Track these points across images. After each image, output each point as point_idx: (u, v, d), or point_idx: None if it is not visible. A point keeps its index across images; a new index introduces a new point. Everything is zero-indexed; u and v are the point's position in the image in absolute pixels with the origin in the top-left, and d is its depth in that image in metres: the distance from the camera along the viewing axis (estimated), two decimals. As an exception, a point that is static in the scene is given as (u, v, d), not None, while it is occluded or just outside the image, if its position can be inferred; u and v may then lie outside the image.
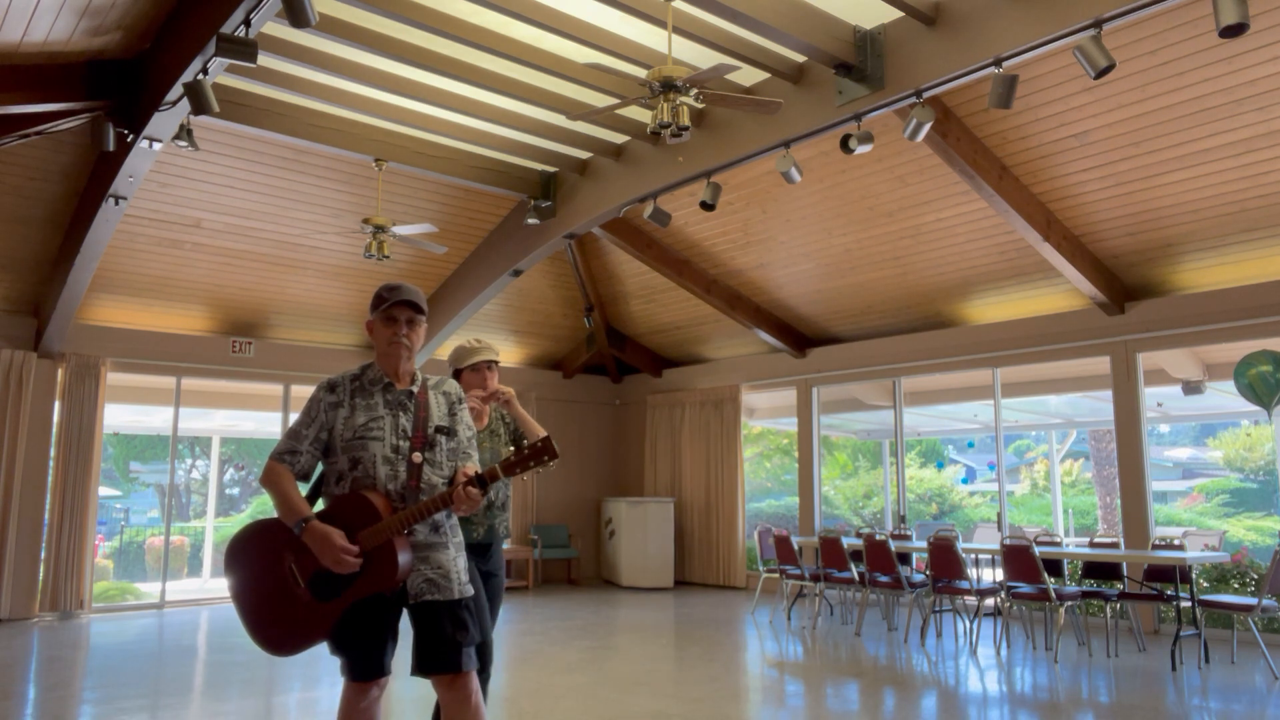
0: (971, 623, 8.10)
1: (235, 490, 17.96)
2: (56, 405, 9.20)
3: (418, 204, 9.33)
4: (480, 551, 3.51)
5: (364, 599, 2.73)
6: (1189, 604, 6.74)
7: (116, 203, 7.15)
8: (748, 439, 12.37)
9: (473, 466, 2.92)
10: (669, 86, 5.18)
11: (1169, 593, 6.97)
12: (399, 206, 9.23)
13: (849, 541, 8.31)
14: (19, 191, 7.90)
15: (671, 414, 12.64)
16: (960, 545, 7.27)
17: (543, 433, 3.38)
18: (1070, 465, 17.00)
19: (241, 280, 9.69)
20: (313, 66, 6.34)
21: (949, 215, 8.15)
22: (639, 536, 11.62)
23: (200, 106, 5.43)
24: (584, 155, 8.35)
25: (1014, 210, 7.29)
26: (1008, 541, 6.96)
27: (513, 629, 8.26)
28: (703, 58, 6.27)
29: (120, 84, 6.30)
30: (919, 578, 7.91)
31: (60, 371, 9.22)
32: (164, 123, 6.09)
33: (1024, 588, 6.93)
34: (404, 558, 2.71)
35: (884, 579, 7.84)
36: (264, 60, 6.25)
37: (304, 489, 2.88)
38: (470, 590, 2.89)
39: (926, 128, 5.70)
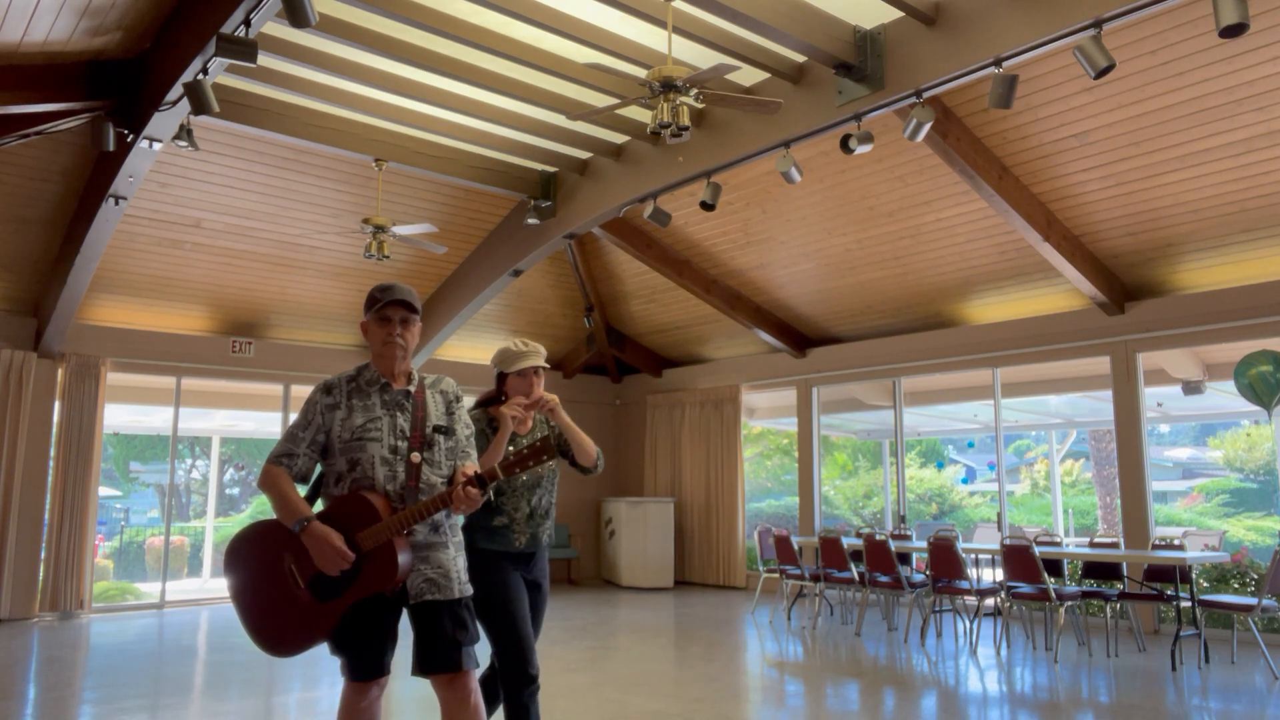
0: (971, 623, 8.10)
1: (235, 490, 17.96)
2: (56, 405, 9.20)
3: (418, 204, 9.33)
4: (522, 560, 3.35)
5: (364, 600, 2.73)
6: (1189, 604, 6.74)
7: (116, 203, 7.15)
8: (748, 439, 12.37)
9: (472, 466, 2.91)
10: (669, 86, 5.18)
11: (1169, 593, 6.97)
12: (399, 206, 9.23)
13: (849, 541, 8.30)
14: (19, 191, 7.90)
15: (671, 414, 12.64)
16: (960, 545, 7.27)
17: (593, 445, 3.39)
18: (1070, 465, 17.00)
19: (241, 280, 9.69)
20: (313, 66, 6.34)
21: (949, 215, 8.15)
22: (639, 536, 11.62)
23: (200, 106, 5.43)
24: (584, 155, 8.35)
25: (1014, 210, 7.30)
26: (1008, 541, 6.96)
27: (513, 629, 8.25)
28: (703, 58, 6.27)
29: (120, 84, 6.30)
30: (919, 578, 7.91)
31: (60, 371, 9.22)
32: (164, 123, 6.09)
33: (1024, 588, 6.93)
34: (404, 558, 2.71)
35: (884, 579, 7.84)
36: (264, 60, 6.25)
37: (302, 491, 2.88)
38: (470, 590, 2.89)
39: (926, 128, 5.70)
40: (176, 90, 5.66)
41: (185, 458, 17.49)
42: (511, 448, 2.92)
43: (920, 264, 8.94)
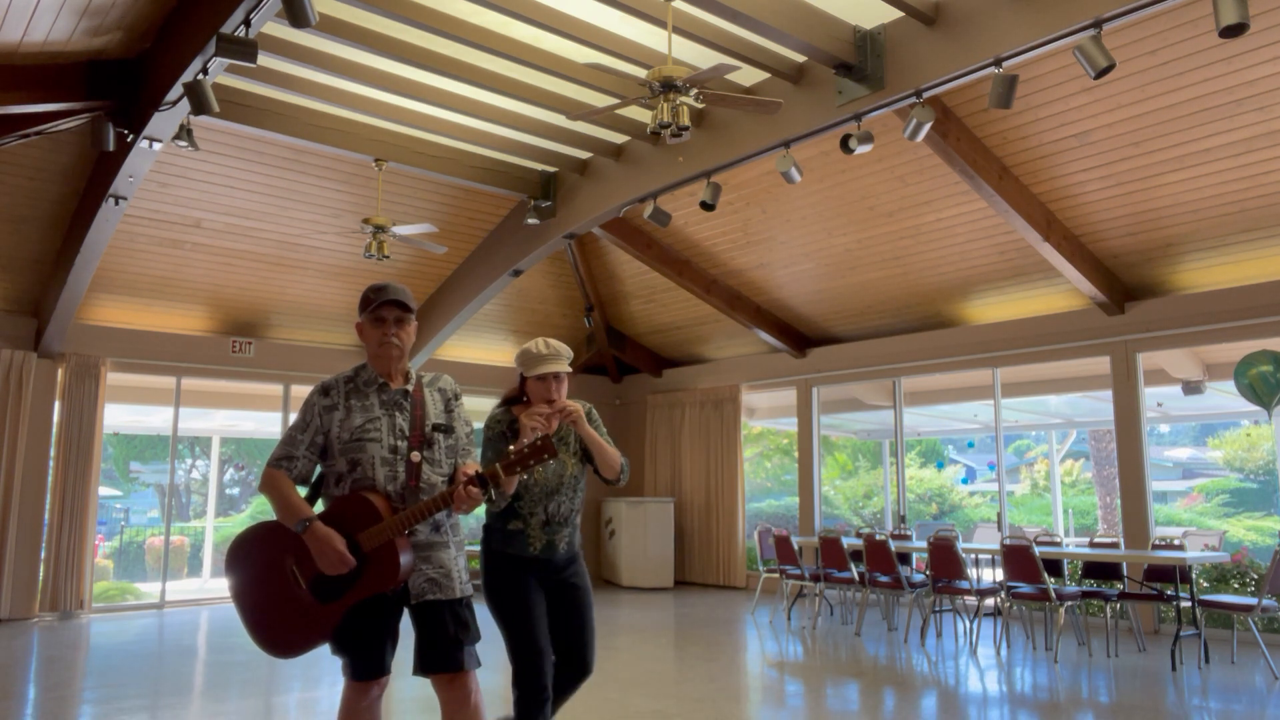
0: (971, 623, 8.10)
1: (235, 490, 17.96)
2: (56, 405, 9.19)
3: (418, 204, 9.34)
4: (543, 566, 3.21)
5: (365, 600, 2.73)
6: (1189, 604, 6.74)
7: (116, 203, 7.15)
8: (748, 439, 12.37)
9: (473, 465, 2.91)
10: (669, 86, 5.18)
11: (1169, 593, 6.97)
12: (399, 206, 9.23)
13: (849, 541, 8.30)
14: (19, 191, 7.90)
15: (671, 414, 12.64)
16: (960, 545, 7.27)
17: (617, 456, 3.25)
18: (1070, 465, 17.00)
19: (241, 280, 9.69)
20: (313, 66, 6.34)
21: (949, 215, 8.15)
22: (639, 536, 11.62)
23: (200, 106, 5.43)
24: (584, 155, 8.35)
25: (1014, 210, 7.30)
26: (1008, 541, 6.96)
27: (513, 629, 8.25)
28: (703, 58, 6.27)
29: (120, 84, 6.30)
30: (919, 578, 7.91)
31: (60, 371, 9.22)
32: (164, 123, 6.09)
33: (1024, 588, 6.93)
34: (405, 559, 2.71)
35: (884, 579, 7.84)
36: (264, 60, 6.25)
37: (303, 492, 2.88)
38: (470, 589, 2.88)
39: (926, 128, 5.70)
40: (176, 90, 5.66)
41: (185, 458, 17.49)
42: (511, 446, 2.87)
43: (920, 264, 8.94)
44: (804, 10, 5.52)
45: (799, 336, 11.08)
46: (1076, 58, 4.83)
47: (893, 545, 7.75)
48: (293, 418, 3.03)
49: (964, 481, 17.55)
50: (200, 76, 5.43)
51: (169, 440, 10.44)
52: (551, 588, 3.26)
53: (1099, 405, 11.80)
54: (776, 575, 9.28)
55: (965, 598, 8.27)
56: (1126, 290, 8.35)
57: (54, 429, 9.17)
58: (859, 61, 5.79)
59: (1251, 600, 6.34)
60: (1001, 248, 8.35)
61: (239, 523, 15.62)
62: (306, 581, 2.74)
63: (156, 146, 6.39)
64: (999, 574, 7.29)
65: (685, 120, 5.24)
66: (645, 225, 9.59)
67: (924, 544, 7.62)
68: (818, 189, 8.38)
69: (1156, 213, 7.34)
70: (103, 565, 12.55)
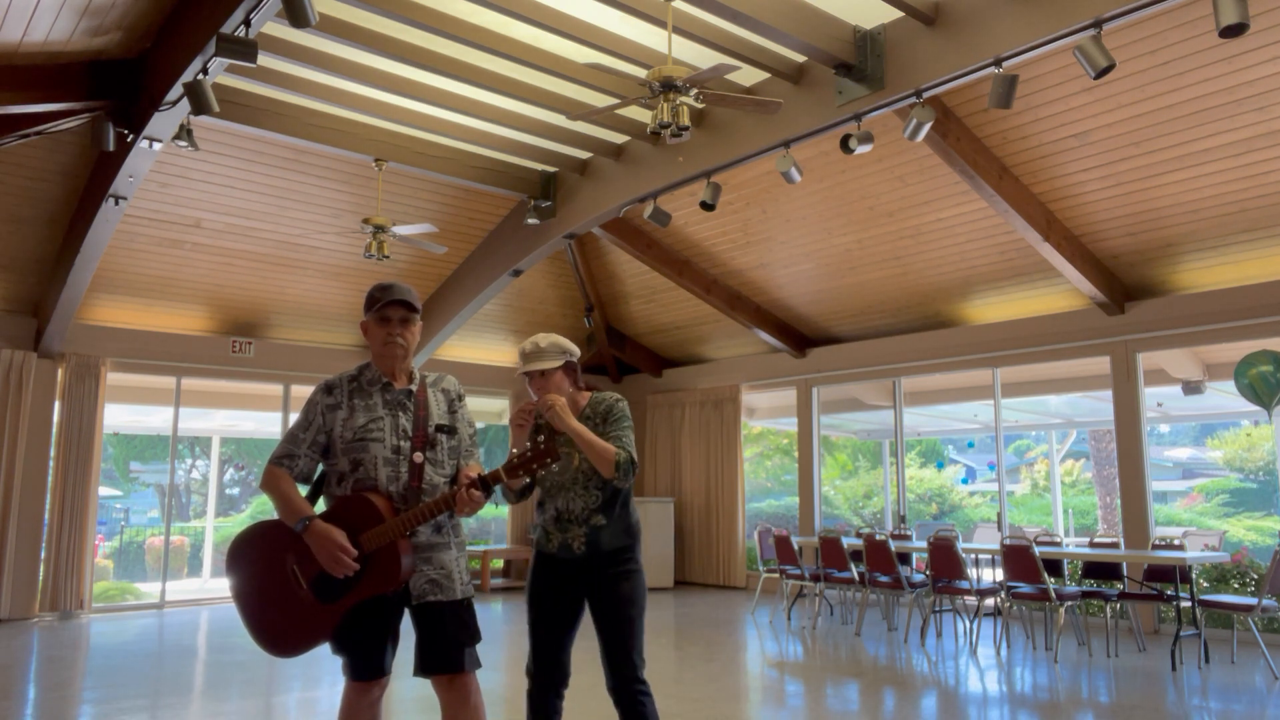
0: (971, 623, 8.10)
1: (235, 490, 17.96)
2: (56, 405, 9.19)
3: (418, 204, 9.34)
4: (565, 565, 3.11)
5: (366, 600, 2.73)
6: (1189, 604, 6.74)
7: (116, 203, 7.15)
8: (748, 439, 12.37)
9: (476, 467, 2.90)
10: (669, 86, 5.18)
11: (1169, 593, 6.97)
12: (399, 206, 9.23)
13: (849, 541, 8.30)
14: (19, 191, 7.90)
15: (671, 414, 12.64)
16: (960, 545, 7.27)
17: (609, 451, 2.98)
18: (1070, 465, 17.01)
19: (241, 280, 9.69)
20: (313, 66, 6.34)
21: (949, 215, 8.15)
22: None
23: (200, 106, 5.43)
24: (584, 155, 8.35)
25: (1014, 210, 7.30)
26: (1008, 541, 6.96)
27: (513, 629, 8.26)
28: (703, 58, 6.27)
29: (120, 84, 6.30)
30: (919, 578, 7.91)
31: (60, 371, 9.22)
32: (164, 123, 6.09)
33: (1024, 588, 6.93)
34: (407, 560, 2.71)
35: (884, 579, 7.84)
36: (264, 60, 6.25)
37: (304, 491, 2.87)
38: (471, 591, 2.89)
39: (926, 128, 5.70)
40: (176, 90, 5.66)
41: (185, 458, 17.49)
42: (515, 450, 2.85)
43: (920, 264, 8.94)
44: (804, 10, 5.52)
45: (799, 336, 11.08)
46: (1076, 58, 4.83)
47: (893, 545, 7.75)
48: (293, 418, 3.04)
49: (964, 481, 17.56)
50: (200, 76, 5.43)
51: (169, 440, 10.44)
52: (590, 590, 3.11)
53: (1099, 405, 11.81)
54: (776, 575, 9.28)
55: (965, 598, 8.27)
56: (1126, 290, 8.35)
57: (54, 429, 9.17)
58: (859, 61, 5.80)
59: (1251, 600, 6.34)
60: (1001, 248, 8.35)
61: (239, 523, 15.62)
62: (307, 581, 2.74)
63: (156, 146, 6.39)
64: (999, 574, 7.29)
65: (685, 120, 5.24)
66: (645, 225, 9.59)
67: (924, 544, 7.62)
68: (818, 189, 8.38)
69: (1156, 213, 7.34)
70: (103, 565, 12.55)
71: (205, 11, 5.23)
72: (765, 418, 13.33)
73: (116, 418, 12.13)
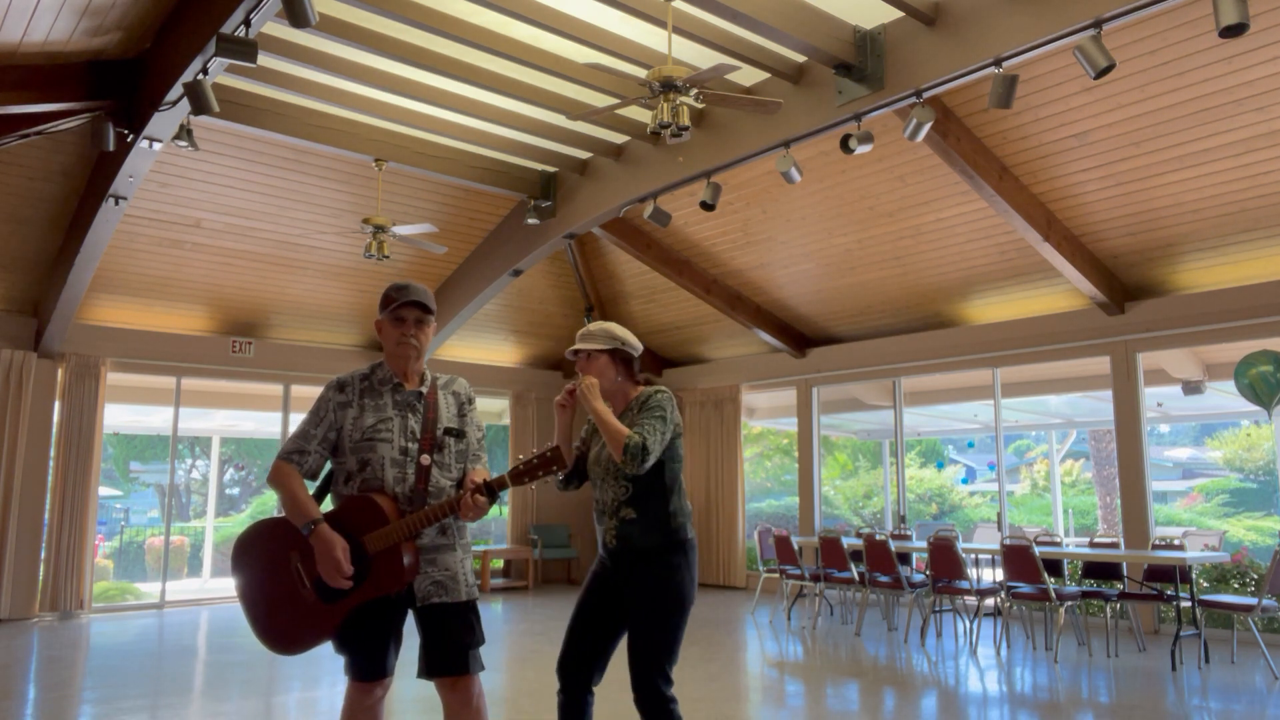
0: (971, 623, 8.10)
1: (235, 490, 17.96)
2: (56, 405, 9.19)
3: (418, 204, 9.34)
4: (608, 557, 3.04)
5: (369, 601, 2.74)
6: (1189, 604, 6.74)
7: (116, 203, 7.15)
8: (748, 439, 12.37)
9: (482, 471, 2.90)
10: (669, 86, 5.18)
11: (1169, 593, 6.97)
12: (399, 206, 9.23)
13: (849, 541, 8.30)
14: (19, 191, 7.90)
15: (671, 414, 12.61)
16: (960, 545, 7.27)
17: (621, 434, 2.87)
18: (1070, 465, 17.01)
19: (241, 280, 9.69)
20: (313, 66, 6.34)
21: (949, 215, 8.15)
22: (639, 536, 11.60)
23: (200, 106, 5.43)
24: (584, 155, 8.35)
25: (1014, 210, 7.30)
26: (1008, 541, 6.96)
27: (513, 629, 8.26)
28: (703, 58, 6.27)
29: (120, 84, 6.30)
30: (919, 578, 7.91)
31: (60, 371, 9.22)
32: (164, 123, 6.09)
33: (1024, 588, 6.93)
34: (409, 563, 2.71)
35: (884, 579, 7.84)
36: (264, 60, 6.25)
37: (311, 488, 2.88)
38: (476, 593, 2.88)
39: (926, 128, 5.70)
40: (176, 90, 5.66)
41: (185, 458, 17.49)
42: (530, 451, 2.84)
43: (920, 264, 8.94)
44: (804, 10, 5.52)
45: (799, 336, 11.08)
46: (1076, 58, 4.83)
47: (893, 545, 7.75)
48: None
49: (964, 481, 17.56)
50: (200, 76, 5.43)
51: (169, 440, 10.44)
52: (621, 588, 3.01)
53: (1099, 405, 11.81)
54: (776, 575, 9.28)
55: (965, 598, 8.27)
56: (1126, 290, 8.35)
57: (54, 429, 9.17)
58: (859, 61, 5.80)
59: (1251, 600, 6.34)
60: (1001, 248, 8.35)
61: (239, 523, 15.63)
62: (310, 580, 2.75)
63: (156, 146, 6.39)
64: (999, 574, 7.29)
65: (685, 120, 5.24)
66: (645, 225, 9.59)
67: (924, 544, 7.62)
68: (818, 189, 8.38)
69: (1156, 213, 7.34)
70: (103, 565, 12.55)
71: (205, 11, 5.23)
72: (765, 418, 13.33)
73: (116, 418, 12.13)
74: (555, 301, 11.86)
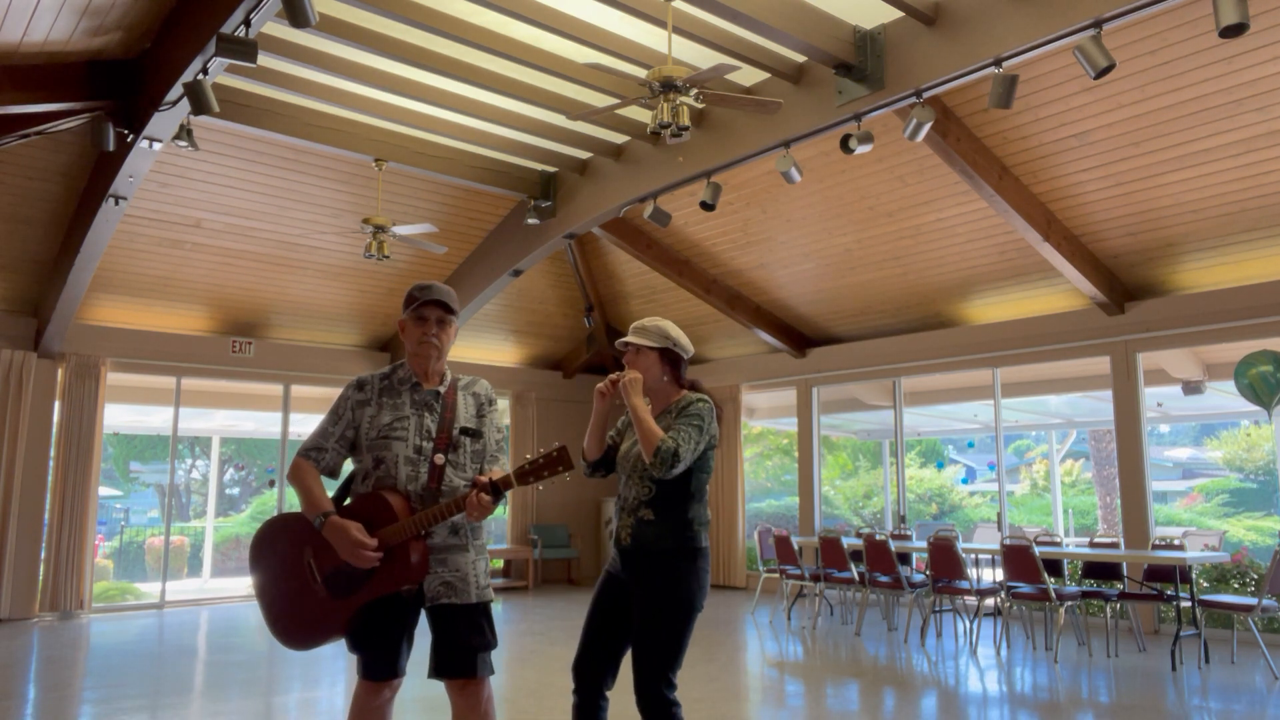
0: (971, 623, 8.10)
1: (235, 490, 17.96)
2: (56, 405, 9.19)
3: (418, 204, 9.34)
4: (620, 556, 3.02)
5: (380, 599, 2.74)
6: (1189, 604, 6.74)
7: (116, 203, 7.15)
8: (748, 439, 12.37)
9: (497, 471, 2.89)
10: (669, 86, 5.18)
11: (1169, 593, 6.97)
12: (399, 206, 9.23)
13: (849, 541, 8.30)
14: (19, 191, 7.90)
15: (671, 414, 12.62)
16: (960, 545, 7.27)
17: (655, 435, 2.84)
18: (1070, 465, 17.00)
19: (241, 280, 9.69)
20: (313, 66, 6.34)
21: (949, 215, 8.15)
22: (639, 536, 11.60)
23: (200, 106, 5.43)
24: (584, 155, 8.35)
25: (1014, 210, 7.30)
26: (1008, 541, 6.96)
27: (513, 629, 8.26)
28: (703, 58, 6.27)
29: (120, 84, 6.30)
30: (919, 578, 7.91)
31: (60, 371, 9.22)
32: (164, 123, 6.09)
33: (1024, 588, 6.93)
34: (417, 561, 2.71)
35: (884, 579, 7.84)
36: (264, 60, 6.25)
37: (334, 487, 2.90)
38: (490, 595, 2.86)
39: (926, 128, 5.70)
40: (176, 90, 5.66)
41: (185, 458, 17.49)
42: (537, 451, 2.84)
43: (920, 264, 8.94)
44: (804, 10, 5.52)
45: (799, 336, 11.08)
46: (1076, 58, 4.83)
47: (893, 545, 7.75)
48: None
49: (964, 481, 17.55)
50: (200, 76, 5.43)
51: (169, 440, 10.44)
52: (630, 588, 2.99)
53: (1099, 405, 11.80)
54: (776, 575, 9.28)
55: (965, 598, 8.27)
56: (1126, 290, 8.35)
57: (54, 429, 9.17)
58: (859, 61, 5.80)
59: (1251, 600, 6.34)
60: (1001, 248, 8.35)
61: (239, 523, 15.63)
62: (322, 576, 2.76)
63: (156, 146, 6.39)
64: (999, 574, 7.29)
65: (685, 120, 5.24)
66: (645, 225, 9.59)
67: (924, 544, 7.62)
68: (818, 189, 8.38)
69: (1156, 213, 7.34)
70: (103, 565, 12.55)
71: (205, 11, 5.23)
72: (765, 418, 13.33)
73: (116, 418, 12.13)
74: (555, 301, 11.86)
